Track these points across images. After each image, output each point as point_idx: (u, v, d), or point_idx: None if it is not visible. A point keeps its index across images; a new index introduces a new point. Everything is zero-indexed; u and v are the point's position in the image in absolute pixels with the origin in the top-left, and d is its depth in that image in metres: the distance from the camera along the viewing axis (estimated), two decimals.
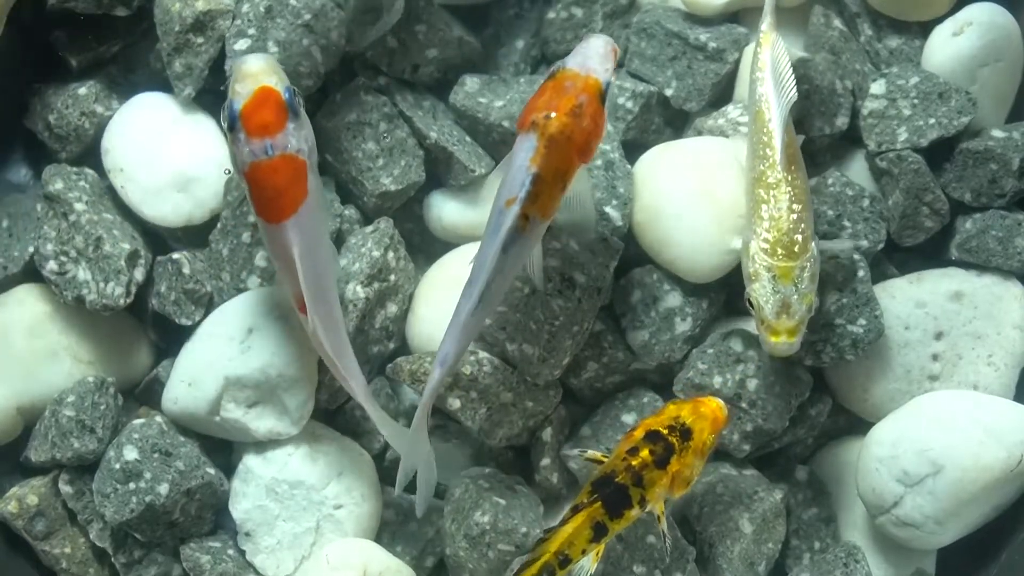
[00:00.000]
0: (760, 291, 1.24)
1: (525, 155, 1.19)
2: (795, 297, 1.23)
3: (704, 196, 1.35)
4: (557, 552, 1.18)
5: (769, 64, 1.31)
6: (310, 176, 1.23)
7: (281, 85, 1.22)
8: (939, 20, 1.44)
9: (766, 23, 1.34)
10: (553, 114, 1.19)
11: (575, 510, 1.19)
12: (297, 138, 1.21)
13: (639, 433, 1.21)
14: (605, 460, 1.23)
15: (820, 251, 1.27)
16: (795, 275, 1.23)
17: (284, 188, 1.21)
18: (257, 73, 1.22)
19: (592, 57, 1.22)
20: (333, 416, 1.41)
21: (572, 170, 1.21)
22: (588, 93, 1.20)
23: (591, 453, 1.27)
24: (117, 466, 1.32)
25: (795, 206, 1.25)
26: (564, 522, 1.19)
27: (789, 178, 1.26)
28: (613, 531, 1.20)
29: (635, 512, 1.20)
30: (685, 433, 1.21)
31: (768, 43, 1.32)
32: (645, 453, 1.20)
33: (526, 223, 1.19)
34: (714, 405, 1.24)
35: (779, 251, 1.24)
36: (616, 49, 1.24)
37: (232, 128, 1.21)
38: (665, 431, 1.21)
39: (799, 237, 1.24)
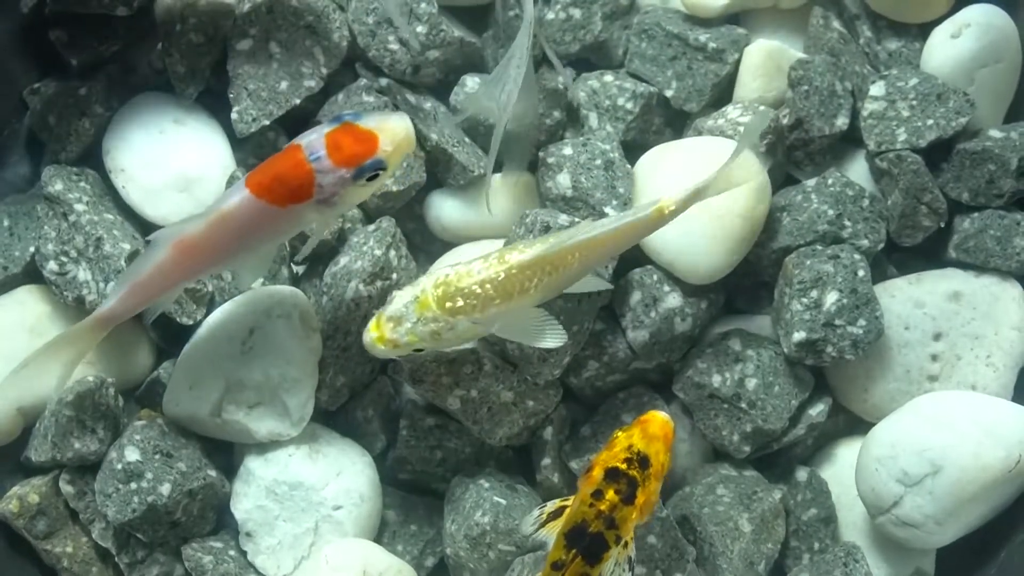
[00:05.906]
0: (402, 294, 1.25)
1: None
2: (408, 325, 1.23)
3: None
4: None
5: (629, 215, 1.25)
6: (302, 213, 1.21)
7: (383, 153, 1.20)
8: (938, 21, 1.45)
9: (674, 204, 1.25)
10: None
11: (555, 568, 1.17)
12: (331, 185, 1.20)
13: (598, 473, 1.19)
14: (568, 503, 1.20)
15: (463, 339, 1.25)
16: (424, 315, 1.23)
17: (282, 179, 1.20)
18: (386, 127, 1.21)
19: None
20: (333, 417, 1.41)
21: None
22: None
23: (550, 506, 1.22)
24: (119, 467, 1.32)
25: (488, 288, 1.23)
26: None
27: (519, 278, 1.23)
28: (595, 574, 1.19)
29: (613, 551, 1.18)
30: (643, 462, 1.19)
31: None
32: (611, 494, 1.17)
33: None
34: (660, 421, 1.22)
35: (438, 289, 1.23)
36: None
37: (333, 119, 1.21)
38: (624, 466, 1.18)
39: (460, 302, 1.22)
